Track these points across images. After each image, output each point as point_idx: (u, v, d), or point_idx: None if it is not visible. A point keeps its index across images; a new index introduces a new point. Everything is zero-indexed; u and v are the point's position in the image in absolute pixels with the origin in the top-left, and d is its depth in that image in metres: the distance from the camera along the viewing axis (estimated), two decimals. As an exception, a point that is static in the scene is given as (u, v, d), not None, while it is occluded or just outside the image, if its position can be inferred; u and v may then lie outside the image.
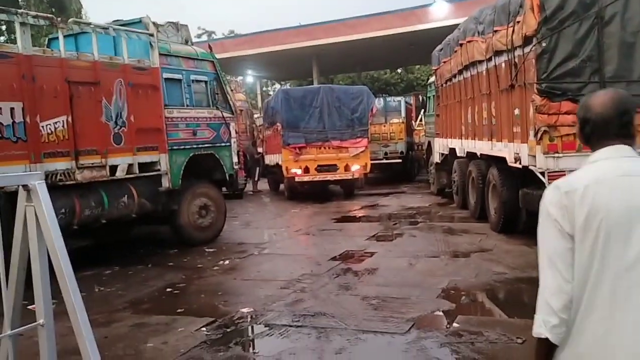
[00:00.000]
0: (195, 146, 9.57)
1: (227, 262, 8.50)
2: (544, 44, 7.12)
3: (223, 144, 10.18)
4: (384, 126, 19.48)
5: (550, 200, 1.83)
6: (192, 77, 9.65)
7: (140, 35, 8.70)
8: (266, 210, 15.17)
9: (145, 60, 8.71)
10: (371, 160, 16.45)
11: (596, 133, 1.88)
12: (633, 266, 1.73)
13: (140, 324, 5.83)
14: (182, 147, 9.30)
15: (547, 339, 1.79)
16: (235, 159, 10.46)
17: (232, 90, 11.80)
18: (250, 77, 34.80)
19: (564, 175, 7.00)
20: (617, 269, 1.74)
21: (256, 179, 19.14)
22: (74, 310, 2.15)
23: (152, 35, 8.79)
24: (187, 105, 9.53)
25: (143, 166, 8.59)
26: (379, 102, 18.73)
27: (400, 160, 19.63)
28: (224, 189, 10.75)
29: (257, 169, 19.07)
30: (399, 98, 21.49)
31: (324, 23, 26.12)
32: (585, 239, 1.75)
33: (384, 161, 19.31)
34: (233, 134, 10.43)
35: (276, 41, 26.09)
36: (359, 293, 6.53)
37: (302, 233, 11.26)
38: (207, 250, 9.36)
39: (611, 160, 1.82)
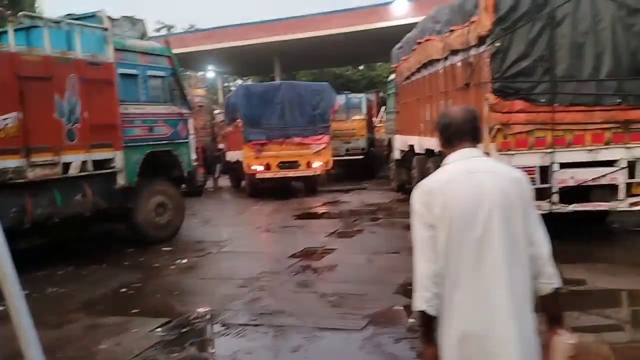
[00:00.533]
0: (152, 143, 9.42)
1: (184, 260, 8.40)
2: (497, 44, 7.25)
3: (181, 141, 10.05)
4: (346, 123, 19.50)
5: (416, 199, 2.26)
6: (149, 72, 9.49)
7: (94, 30, 8.51)
8: (226, 207, 15.06)
9: (99, 55, 8.51)
10: (333, 156, 16.50)
11: (452, 137, 2.31)
12: (479, 244, 2.13)
13: (94, 325, 5.72)
14: (138, 143, 9.13)
15: (424, 311, 2.18)
16: (193, 156, 10.35)
17: (190, 86, 11.64)
18: (211, 72, 34.42)
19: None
20: (467, 248, 2.14)
21: (216, 175, 18.97)
22: (16, 311, 2.09)
23: (106, 29, 8.61)
24: (144, 101, 9.37)
25: (97, 163, 8.42)
26: (340, 99, 18.77)
27: (361, 157, 19.70)
28: (182, 186, 10.62)
29: (218, 165, 18.89)
30: (360, 95, 21.55)
31: (286, 19, 26.03)
32: (442, 227, 2.16)
33: (346, 157, 19.36)
34: (191, 130, 10.31)
35: (237, 36, 25.87)
36: (318, 290, 6.55)
37: (262, 230, 11.23)
38: (164, 249, 9.23)
39: (461, 161, 2.27)
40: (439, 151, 10.59)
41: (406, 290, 6.34)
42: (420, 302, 2.18)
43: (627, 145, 7.41)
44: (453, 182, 2.20)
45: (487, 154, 7.56)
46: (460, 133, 2.29)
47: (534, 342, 2.20)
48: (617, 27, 7.28)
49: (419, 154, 12.17)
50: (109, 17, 8.83)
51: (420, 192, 2.25)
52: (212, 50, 26.76)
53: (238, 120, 15.69)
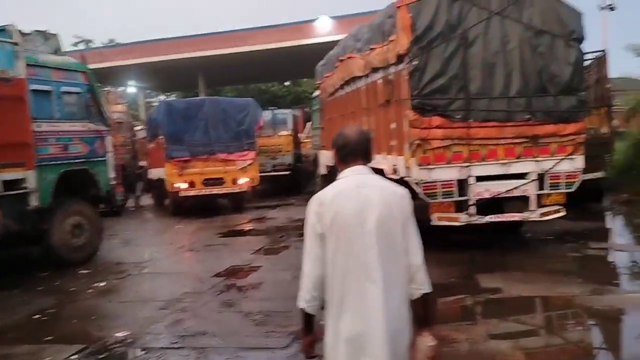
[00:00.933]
0: (67, 162, 9.03)
1: (103, 283, 8.08)
2: (415, 62, 7.51)
3: (98, 159, 9.70)
4: (272, 139, 19.47)
5: (310, 209, 2.49)
6: (63, 88, 9.13)
7: (3, 44, 8.10)
8: (148, 227, 14.64)
9: (9, 71, 8.08)
10: (259, 172, 16.41)
11: (347, 156, 2.54)
12: (363, 251, 2.37)
13: (4, 355, 5.40)
14: (53, 162, 8.74)
15: (304, 309, 2.48)
16: (112, 174, 10.01)
17: (109, 102, 11.29)
18: (132, 88, 33.55)
19: (436, 185, 7.32)
20: (353, 254, 2.38)
21: (138, 194, 18.42)
22: None
23: (17, 44, 8.21)
24: (58, 118, 8.99)
25: (8, 184, 7.95)
26: (267, 115, 18.76)
27: (288, 173, 19.71)
28: (101, 205, 10.23)
29: (139, 183, 18.35)
30: (286, 110, 21.63)
31: (210, 34, 25.86)
32: (331, 236, 2.41)
33: (272, 173, 19.30)
34: (109, 148, 9.98)
35: (160, 51, 25.44)
36: (242, 309, 6.47)
37: (185, 250, 10.99)
38: (81, 271, 8.82)
39: (351, 177, 2.50)
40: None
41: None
42: (302, 301, 2.48)
43: (537, 159, 7.84)
44: (344, 194, 2.45)
45: (408, 168, 7.78)
46: (354, 152, 2.53)
47: (405, 340, 2.44)
48: (524, 47, 7.74)
49: (343, 169, 12.32)
50: (20, 32, 8.44)
51: (314, 204, 2.48)
52: (133, 65, 26.15)
53: (160, 137, 15.33)
